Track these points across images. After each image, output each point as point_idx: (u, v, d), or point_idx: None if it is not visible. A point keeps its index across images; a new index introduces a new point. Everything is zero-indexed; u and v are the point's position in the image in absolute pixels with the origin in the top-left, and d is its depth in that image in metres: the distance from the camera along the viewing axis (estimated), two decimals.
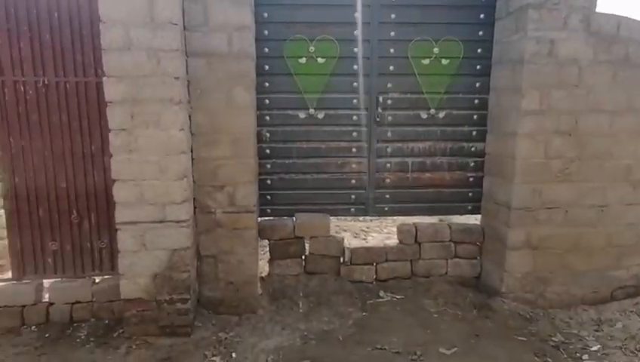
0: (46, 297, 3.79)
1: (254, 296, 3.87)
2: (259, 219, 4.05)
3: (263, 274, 4.20)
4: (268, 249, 4.20)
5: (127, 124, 3.23)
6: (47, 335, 3.60)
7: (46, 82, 3.61)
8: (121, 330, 3.61)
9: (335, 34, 4.01)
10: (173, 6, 3.17)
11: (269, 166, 4.12)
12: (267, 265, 4.26)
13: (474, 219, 4.80)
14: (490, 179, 4.31)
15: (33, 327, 3.69)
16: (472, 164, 4.45)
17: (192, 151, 3.59)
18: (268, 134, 4.08)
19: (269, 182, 4.14)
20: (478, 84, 4.30)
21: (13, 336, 3.57)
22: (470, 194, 4.50)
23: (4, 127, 3.62)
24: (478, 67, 4.26)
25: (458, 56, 4.22)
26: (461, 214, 4.65)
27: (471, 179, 4.48)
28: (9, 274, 3.92)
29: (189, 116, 3.53)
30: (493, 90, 4.24)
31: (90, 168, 3.75)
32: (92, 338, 3.55)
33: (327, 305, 3.97)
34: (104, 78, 3.19)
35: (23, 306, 3.71)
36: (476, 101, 4.33)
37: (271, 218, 4.22)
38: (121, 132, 3.24)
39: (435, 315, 3.86)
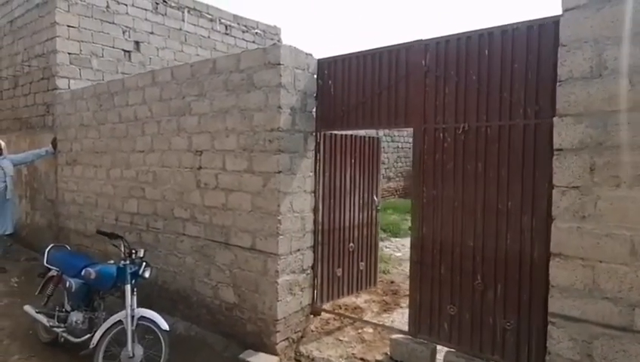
0: None
1: None
2: None
3: None
4: None
5: (583, 180, 2.20)
6: None
7: (466, 128, 3.13)
8: None
9: None
10: None
11: None
12: None
13: None
14: None
15: None
16: None
17: None
18: None
19: None
20: None
21: None
22: None
23: (420, 175, 3.39)
24: None
25: None
26: None
27: None
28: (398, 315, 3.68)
29: None
30: None
31: (503, 229, 2.98)
32: None
33: None
34: (555, 119, 2.31)
35: None
36: None
37: None
38: (572, 190, 2.24)
39: None
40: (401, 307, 5.08)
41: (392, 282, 6.02)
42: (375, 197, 4.69)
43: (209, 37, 8.72)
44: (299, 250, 3.86)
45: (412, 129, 3.44)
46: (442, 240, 3.26)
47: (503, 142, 2.96)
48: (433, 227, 3.30)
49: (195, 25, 8.44)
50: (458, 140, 3.16)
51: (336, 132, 4.17)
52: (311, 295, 4.04)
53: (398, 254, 8.03)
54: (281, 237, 3.64)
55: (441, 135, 3.24)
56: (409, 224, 11.61)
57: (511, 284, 2.94)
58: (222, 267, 4.08)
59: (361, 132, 4.45)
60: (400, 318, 4.73)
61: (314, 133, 3.98)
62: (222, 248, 4.08)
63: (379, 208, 4.75)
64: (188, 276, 4.43)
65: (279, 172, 3.61)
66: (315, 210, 4.02)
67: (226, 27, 9.05)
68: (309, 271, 4.00)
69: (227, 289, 4.04)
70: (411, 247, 3.46)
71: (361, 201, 4.51)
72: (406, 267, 7.20)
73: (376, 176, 4.69)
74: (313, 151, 3.98)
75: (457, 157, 3.17)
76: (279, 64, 3.57)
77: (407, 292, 5.88)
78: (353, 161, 4.40)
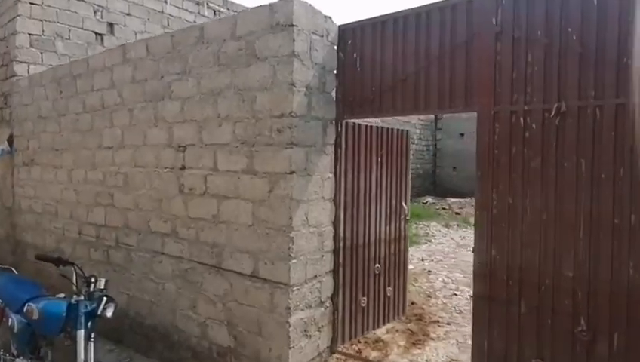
0: None
1: None
2: None
3: None
4: None
5: None
6: None
7: (562, 109, 2.21)
8: None
9: None
10: None
11: None
12: None
13: None
14: None
15: None
16: None
17: None
18: None
19: None
20: None
21: None
22: None
23: (487, 176, 2.45)
24: None
25: None
26: None
27: None
28: None
29: None
30: None
31: (624, 253, 2.05)
32: None
33: None
34: None
35: None
36: None
37: None
38: None
39: None
40: (431, 339, 4.14)
41: (413, 303, 5.07)
42: (404, 205, 3.76)
43: (195, 22, 7.68)
44: (316, 276, 2.89)
45: (463, 114, 2.51)
46: (523, 267, 2.33)
47: (623, 128, 2.04)
48: (509, 249, 2.37)
49: (179, 7, 7.42)
50: (549, 127, 2.24)
51: (360, 121, 3.23)
52: (330, 334, 3.07)
53: (410, 267, 7.13)
54: (293, 261, 2.67)
55: (522, 120, 2.31)
56: (416, 230, 10.53)
57: (637, 334, 2.02)
58: (212, 298, 3.08)
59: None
60: (435, 356, 3.80)
61: (334, 122, 3.03)
62: (212, 273, 3.08)
63: (409, 218, 3.81)
64: (168, 307, 3.42)
65: (291, 172, 2.64)
66: (336, 223, 3.06)
67: (215, 12, 8.04)
68: (327, 304, 3.03)
69: (219, 329, 3.04)
70: (475, 276, 2.51)
71: (388, 210, 3.57)
72: (424, 283, 6.30)
73: (406, 178, 3.76)
74: (333, 146, 3.03)
75: (548, 150, 2.24)
76: (292, 25, 2.60)
77: (434, 318, 5.00)
78: (380, 159, 3.46)
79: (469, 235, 9.74)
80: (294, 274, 2.67)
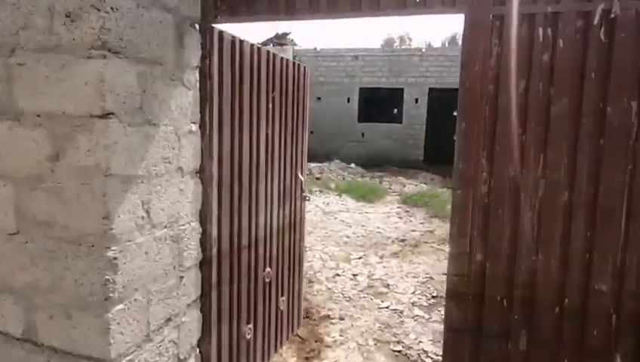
0: None
1: None
2: None
3: None
4: None
5: None
6: None
7: (614, 13, 1.30)
8: None
9: None
10: None
11: None
12: None
13: None
14: None
15: None
16: None
17: None
18: None
19: None
20: None
21: None
22: None
23: (478, 128, 1.43)
24: None
25: None
26: None
27: None
28: None
29: None
30: None
31: None
32: None
33: None
34: None
35: None
36: None
37: None
38: None
39: None
40: (327, 345, 3.18)
41: None
42: (300, 176, 2.57)
43: None
44: (169, 319, 1.51)
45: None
46: (528, 279, 1.43)
47: None
48: (507, 251, 1.43)
49: None
50: (587, 44, 1.31)
51: (240, 35, 1.85)
52: None
53: None
54: (118, 307, 1.24)
55: (542, 32, 1.34)
56: None
57: None
58: None
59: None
60: None
61: (198, 27, 1.59)
62: None
63: (307, 197, 2.64)
64: None
65: (106, 115, 1.16)
66: (205, 214, 1.68)
67: None
68: (192, 358, 1.69)
69: None
70: (448, 296, 1.53)
71: (282, 185, 2.33)
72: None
73: (303, 136, 2.55)
74: (197, 73, 1.60)
75: (581, 85, 1.33)
76: None
77: (323, 312, 4.07)
78: (271, 104, 2.15)
79: (331, 201, 9.27)
80: (120, 333, 1.25)
